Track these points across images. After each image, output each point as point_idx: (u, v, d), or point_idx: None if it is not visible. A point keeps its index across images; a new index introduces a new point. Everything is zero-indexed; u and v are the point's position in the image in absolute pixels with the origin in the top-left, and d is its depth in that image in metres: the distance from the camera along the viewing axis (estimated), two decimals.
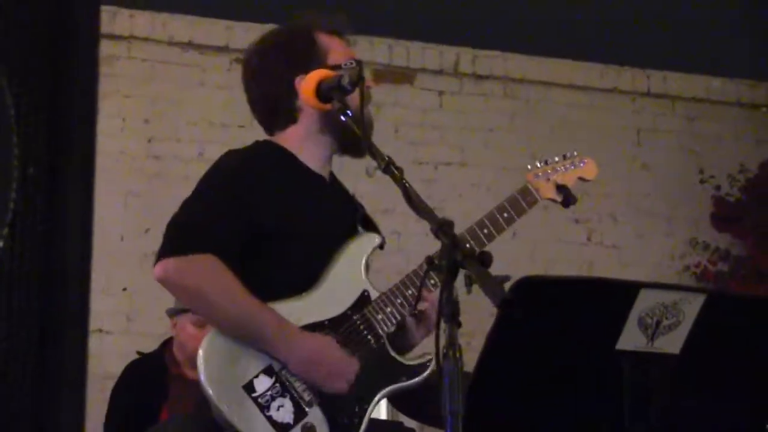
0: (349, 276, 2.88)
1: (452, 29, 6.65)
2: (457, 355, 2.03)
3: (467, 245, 2.93)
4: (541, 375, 2.15)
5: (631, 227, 7.31)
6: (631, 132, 7.55)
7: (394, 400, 3.27)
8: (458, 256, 2.08)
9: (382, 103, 6.50)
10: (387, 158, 2.40)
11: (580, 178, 3.28)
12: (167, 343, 5.14)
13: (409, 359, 2.94)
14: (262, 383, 2.73)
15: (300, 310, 2.83)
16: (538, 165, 3.25)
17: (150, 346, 5.36)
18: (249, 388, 2.72)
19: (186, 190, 3.03)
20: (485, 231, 3.03)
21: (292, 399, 2.76)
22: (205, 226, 2.79)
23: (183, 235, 2.79)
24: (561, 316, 2.10)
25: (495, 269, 2.10)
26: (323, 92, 2.58)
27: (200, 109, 6.59)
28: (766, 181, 7.15)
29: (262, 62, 2.98)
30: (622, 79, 7.54)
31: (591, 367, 2.13)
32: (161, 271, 2.75)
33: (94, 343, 5.91)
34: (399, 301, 2.89)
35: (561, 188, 3.18)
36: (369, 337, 2.87)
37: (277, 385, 2.75)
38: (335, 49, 2.98)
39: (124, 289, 6.28)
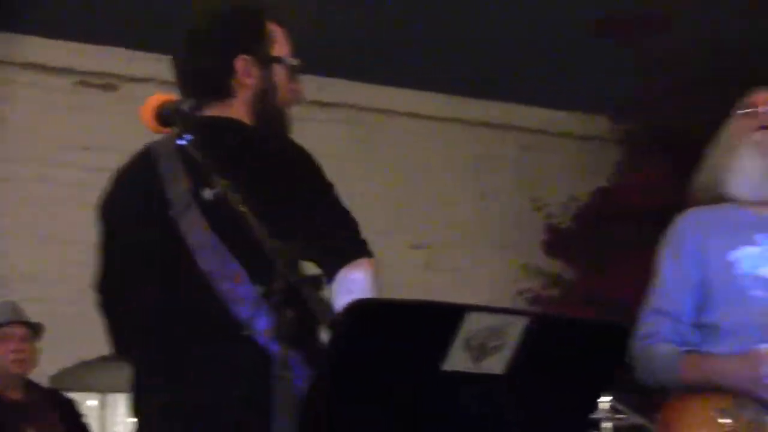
0: None
1: (298, 57, 6.66)
2: (290, 377, 2.06)
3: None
4: (372, 395, 2.17)
5: (467, 253, 7.44)
6: (469, 161, 7.69)
7: None
8: (293, 278, 2.10)
9: None
10: (227, 183, 2.35)
11: None
12: None
13: None
14: None
15: None
16: None
17: None
18: None
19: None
20: None
21: None
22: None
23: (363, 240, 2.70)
24: (391, 338, 2.12)
25: None
26: (163, 117, 2.52)
27: (43, 130, 6.47)
28: (595, 210, 7.35)
29: (207, 34, 2.81)
30: (462, 109, 7.68)
31: (419, 387, 2.16)
32: (371, 266, 2.65)
33: None
34: None
35: None
36: None
37: None
38: (281, 41, 2.84)
39: None
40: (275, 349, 2.10)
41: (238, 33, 2.81)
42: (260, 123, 2.76)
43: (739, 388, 2.99)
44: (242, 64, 2.76)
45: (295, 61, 2.85)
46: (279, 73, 2.82)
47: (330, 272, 2.56)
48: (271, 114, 2.82)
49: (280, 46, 2.83)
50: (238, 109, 2.75)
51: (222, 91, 2.75)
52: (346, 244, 2.65)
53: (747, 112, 3.29)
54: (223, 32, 2.82)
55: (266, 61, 2.80)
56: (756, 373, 2.97)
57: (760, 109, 3.29)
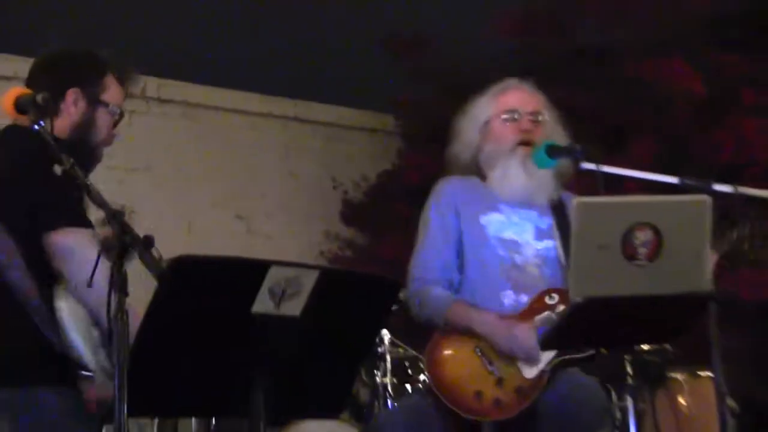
0: None
1: (140, 61, 6.52)
2: (125, 318, 2.04)
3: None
4: (193, 334, 2.17)
5: (281, 221, 7.46)
6: (282, 148, 7.69)
7: None
8: (127, 238, 2.08)
9: None
10: (72, 161, 2.31)
11: None
12: None
13: None
14: None
15: None
16: None
17: None
18: None
19: None
20: None
21: None
22: None
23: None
24: (209, 287, 2.13)
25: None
26: (19, 105, 2.47)
27: None
28: (381, 188, 7.46)
29: (56, 61, 2.82)
30: (277, 106, 7.67)
31: (232, 326, 2.17)
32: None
33: None
34: None
35: None
36: None
37: None
38: (113, 92, 2.83)
39: None
40: (113, 297, 2.08)
41: (79, 69, 2.81)
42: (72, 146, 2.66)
43: (493, 343, 3.03)
44: (72, 95, 2.77)
45: (118, 112, 2.84)
46: (103, 116, 2.80)
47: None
48: (82, 144, 2.75)
49: (112, 96, 2.81)
50: (58, 126, 2.66)
51: (49, 109, 2.66)
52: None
53: (510, 118, 3.24)
54: (68, 64, 2.81)
55: (94, 101, 2.78)
56: (510, 336, 3.01)
57: (523, 117, 3.19)
